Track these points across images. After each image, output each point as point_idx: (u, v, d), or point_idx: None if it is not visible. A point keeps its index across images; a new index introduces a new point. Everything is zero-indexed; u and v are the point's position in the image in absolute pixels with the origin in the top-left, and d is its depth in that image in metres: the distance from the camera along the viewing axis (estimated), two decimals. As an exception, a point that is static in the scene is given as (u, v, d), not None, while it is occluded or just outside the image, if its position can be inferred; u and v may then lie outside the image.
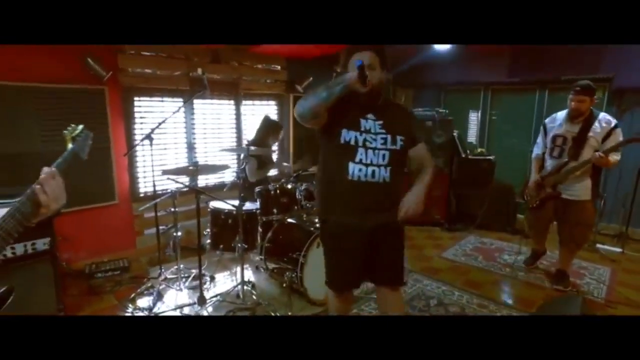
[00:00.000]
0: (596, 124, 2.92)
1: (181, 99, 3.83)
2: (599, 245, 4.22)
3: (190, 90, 3.81)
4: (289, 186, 3.22)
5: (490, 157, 4.90)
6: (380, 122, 1.79)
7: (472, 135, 5.69)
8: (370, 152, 1.76)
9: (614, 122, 2.92)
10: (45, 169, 1.02)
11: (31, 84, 3.05)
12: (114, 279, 3.30)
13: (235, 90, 4.31)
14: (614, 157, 2.85)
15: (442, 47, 4.51)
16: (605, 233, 4.55)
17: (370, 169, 1.75)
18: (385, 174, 1.77)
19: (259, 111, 4.61)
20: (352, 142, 1.75)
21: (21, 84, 3.00)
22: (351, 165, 1.76)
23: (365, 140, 1.75)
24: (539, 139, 3.32)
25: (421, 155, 1.90)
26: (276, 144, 3.84)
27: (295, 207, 3.23)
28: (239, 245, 2.93)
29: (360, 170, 1.76)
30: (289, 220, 3.18)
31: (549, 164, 3.18)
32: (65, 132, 1.29)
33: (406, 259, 2.05)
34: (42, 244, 2.43)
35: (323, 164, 1.91)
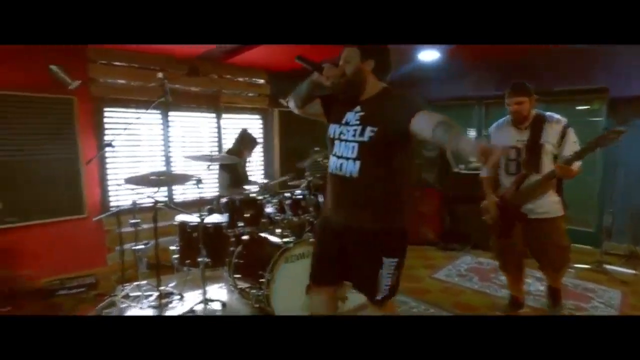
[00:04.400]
0: (546, 126, 2.52)
1: (155, 110, 3.73)
2: (607, 266, 3.89)
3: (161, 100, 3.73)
4: (258, 198, 3.04)
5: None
6: (362, 113, 1.68)
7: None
8: (342, 144, 1.70)
9: (563, 120, 2.52)
10: None
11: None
12: (78, 297, 3.13)
13: (215, 103, 4.23)
14: (576, 165, 2.42)
15: (429, 61, 4.39)
16: (614, 253, 4.21)
17: (339, 161, 1.69)
18: (352, 168, 1.64)
19: (242, 125, 4.49)
20: (332, 135, 1.76)
21: None
22: (331, 158, 1.76)
23: (341, 132, 1.71)
24: None
25: (420, 127, 1.49)
26: (248, 159, 3.71)
27: (263, 220, 3.02)
28: (202, 260, 2.74)
29: (333, 162, 1.73)
30: (260, 234, 2.98)
31: (506, 181, 2.67)
32: None
33: (389, 277, 1.70)
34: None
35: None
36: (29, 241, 3.01)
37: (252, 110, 4.67)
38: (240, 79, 4.41)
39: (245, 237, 2.98)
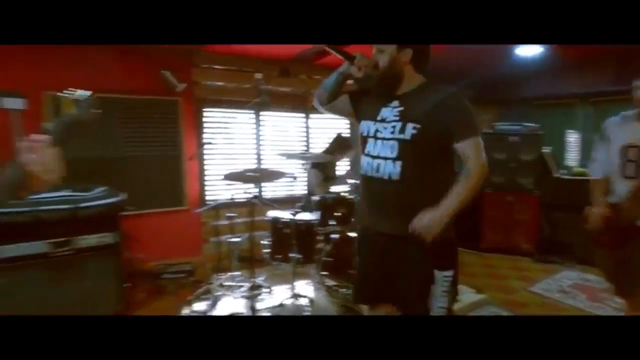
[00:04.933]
0: None
1: (248, 111, 3.93)
2: None
3: (258, 102, 3.90)
4: (349, 197, 3.03)
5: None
6: (401, 108, 1.50)
7: (569, 155, 4.96)
8: (379, 142, 1.52)
9: None
10: (35, 135, 0.91)
11: (115, 95, 3.34)
12: (178, 281, 3.38)
13: (304, 103, 4.32)
14: None
15: (529, 56, 4.04)
16: None
17: (376, 162, 1.51)
18: (392, 169, 1.46)
19: (331, 126, 4.55)
20: (365, 133, 1.58)
21: (107, 95, 3.27)
22: (363, 158, 1.59)
23: (377, 130, 1.54)
24: (599, 153, 2.32)
25: (464, 154, 1.43)
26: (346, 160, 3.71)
27: (354, 220, 3.02)
28: (294, 256, 2.80)
29: (367, 163, 1.55)
30: (350, 233, 2.97)
31: (622, 187, 2.20)
32: (62, 94, 1.09)
33: (444, 296, 1.48)
34: (107, 237, 2.54)
35: None
36: (141, 228, 3.31)
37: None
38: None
39: (335, 236, 2.99)
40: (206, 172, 3.89)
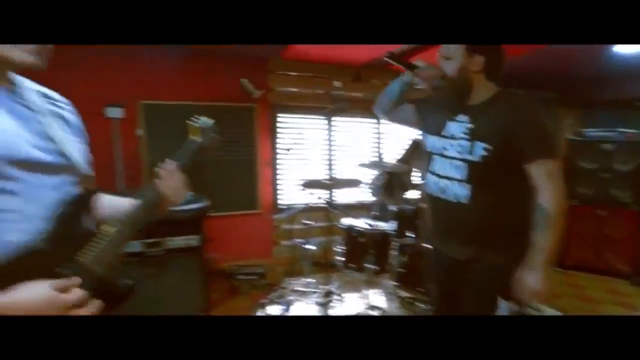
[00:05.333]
0: None
1: (322, 117, 3.96)
2: None
3: (331, 107, 3.91)
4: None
5: None
6: (470, 125, 1.35)
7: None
8: (446, 161, 1.40)
9: None
10: (168, 163, 1.04)
11: (189, 103, 3.48)
12: (251, 282, 3.48)
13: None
14: None
15: (623, 53, 3.61)
16: None
17: (442, 182, 1.41)
18: (460, 192, 1.35)
19: (403, 131, 4.44)
20: (430, 148, 1.48)
21: (181, 102, 3.46)
22: (428, 177, 1.48)
23: (443, 147, 1.41)
24: None
25: (537, 181, 1.29)
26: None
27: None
28: (369, 266, 2.75)
29: (434, 183, 1.45)
30: (426, 245, 2.86)
31: None
32: (189, 122, 1.19)
33: None
34: (193, 240, 2.66)
35: None
36: (216, 229, 3.43)
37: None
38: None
39: (411, 247, 2.89)
40: (279, 177, 3.96)
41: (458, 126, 1.38)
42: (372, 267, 2.78)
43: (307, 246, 3.30)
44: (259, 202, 3.84)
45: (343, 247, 3.09)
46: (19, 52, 0.80)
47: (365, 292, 3.09)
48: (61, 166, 0.92)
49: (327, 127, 4.08)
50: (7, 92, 0.86)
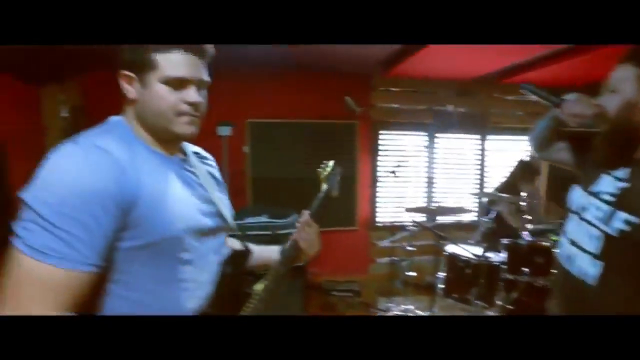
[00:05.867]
0: None
1: (424, 132, 3.85)
2: None
3: (433, 123, 3.77)
4: (546, 244, 2.64)
5: None
6: (625, 184, 1.03)
7: None
8: (582, 225, 1.09)
9: None
10: (304, 215, 1.13)
11: (292, 120, 3.64)
12: (346, 300, 3.50)
13: (481, 124, 3.99)
14: None
15: None
16: None
17: (571, 250, 1.11)
18: (587, 269, 1.04)
19: (509, 148, 4.12)
20: (569, 203, 1.19)
21: (284, 120, 3.63)
22: (562, 237, 1.20)
23: (583, 206, 1.11)
24: None
25: None
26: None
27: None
28: (479, 303, 2.59)
29: (565, 248, 1.15)
30: (539, 283, 2.60)
31: None
32: (319, 170, 1.28)
33: None
34: (299, 260, 2.77)
35: None
36: (315, 245, 3.55)
37: (522, 131, 4.19)
38: (510, 98, 4.01)
39: (525, 284, 2.65)
40: (379, 195, 3.93)
41: (610, 183, 1.07)
42: (481, 304, 2.61)
43: (405, 268, 3.23)
44: (357, 219, 3.86)
45: (445, 274, 2.95)
46: (184, 127, 0.85)
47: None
48: (220, 228, 0.97)
49: (429, 143, 3.94)
50: (180, 161, 0.92)
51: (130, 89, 0.83)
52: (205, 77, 0.87)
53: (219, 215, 0.97)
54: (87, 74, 3.16)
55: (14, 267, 0.67)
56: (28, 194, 0.69)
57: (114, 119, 0.87)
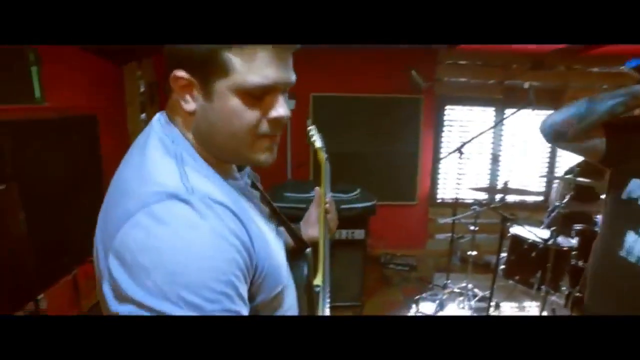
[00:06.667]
0: None
1: (492, 107, 3.68)
2: None
3: (503, 99, 3.58)
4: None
5: None
6: None
7: None
8: None
9: None
10: (327, 197, 1.03)
11: (354, 95, 3.64)
12: (402, 274, 3.58)
13: (558, 98, 3.72)
14: None
15: None
16: None
17: None
18: None
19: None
20: (631, 194, 1.11)
21: (347, 94, 3.63)
22: (629, 236, 1.10)
23: None
24: None
25: None
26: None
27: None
28: (540, 286, 2.54)
29: (632, 242, 1.09)
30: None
31: None
32: (313, 140, 1.14)
33: None
34: (359, 234, 2.85)
35: (601, 226, 1.32)
36: (374, 218, 3.58)
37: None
38: (595, 69, 3.67)
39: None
40: (440, 170, 3.88)
41: None
42: (547, 289, 2.55)
43: (464, 246, 3.22)
44: (417, 194, 3.85)
45: (507, 255, 2.91)
46: (264, 155, 0.66)
47: (527, 306, 2.89)
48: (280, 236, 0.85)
49: (498, 119, 3.77)
50: (242, 181, 0.73)
51: (189, 99, 0.60)
52: (294, 78, 0.64)
53: (276, 220, 0.85)
54: (159, 53, 3.36)
55: None
56: (139, 290, 0.50)
57: (173, 136, 0.62)
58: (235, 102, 0.58)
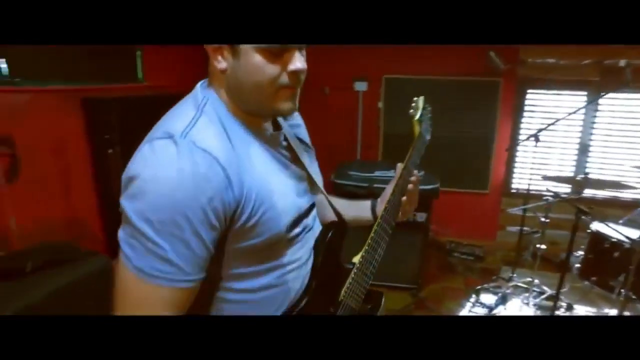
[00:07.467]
0: None
1: (584, 92, 3.32)
2: None
3: (600, 82, 3.20)
4: None
5: None
6: None
7: None
8: None
9: None
10: (411, 169, 1.03)
11: (428, 77, 3.56)
12: (466, 263, 3.48)
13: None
14: None
15: None
16: None
17: None
18: None
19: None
20: None
21: (420, 77, 3.57)
22: None
23: None
24: None
25: None
26: None
27: None
28: (621, 291, 2.31)
29: None
30: None
31: None
32: (411, 111, 1.15)
33: None
34: (420, 217, 2.85)
35: None
36: (441, 203, 3.48)
37: None
38: None
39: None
40: (517, 159, 3.65)
41: None
42: (628, 293, 2.32)
43: (536, 240, 3.01)
44: (490, 183, 3.68)
45: (585, 254, 2.68)
46: (286, 103, 0.75)
47: (605, 311, 2.65)
48: (313, 204, 0.92)
49: (589, 104, 3.39)
50: (276, 138, 0.83)
51: (220, 60, 0.72)
52: None
53: (313, 189, 0.92)
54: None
55: (121, 282, 0.67)
56: (129, 204, 0.64)
57: (209, 95, 0.76)
58: (258, 58, 0.68)
